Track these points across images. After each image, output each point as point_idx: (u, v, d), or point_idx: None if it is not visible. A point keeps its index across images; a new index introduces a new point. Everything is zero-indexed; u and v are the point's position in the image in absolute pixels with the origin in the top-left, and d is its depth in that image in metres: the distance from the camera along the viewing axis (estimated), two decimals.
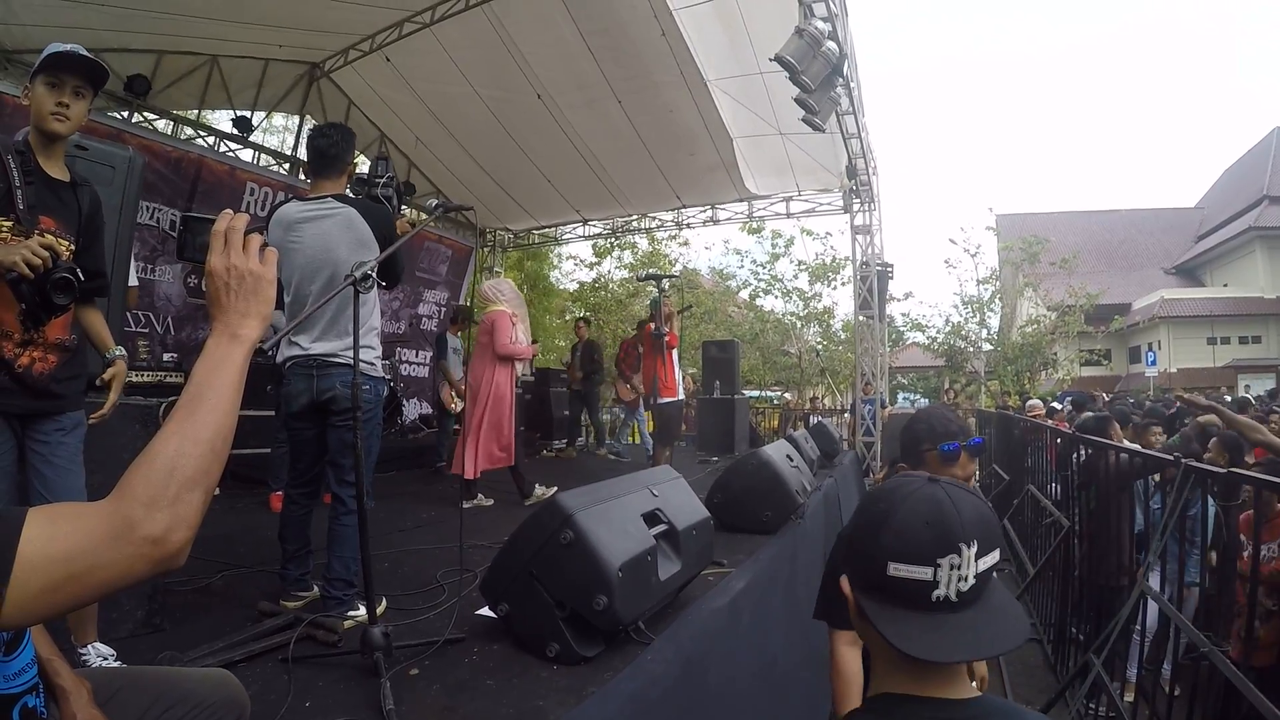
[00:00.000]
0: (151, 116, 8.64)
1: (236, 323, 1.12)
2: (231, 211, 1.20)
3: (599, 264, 21.68)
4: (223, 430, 1.03)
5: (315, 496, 3.36)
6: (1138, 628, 4.21)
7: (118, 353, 2.53)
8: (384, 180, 3.45)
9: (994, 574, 1.08)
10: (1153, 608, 4.10)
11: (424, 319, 12.61)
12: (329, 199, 3.23)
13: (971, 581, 1.05)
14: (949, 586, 1.04)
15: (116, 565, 0.90)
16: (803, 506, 5.20)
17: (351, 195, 3.37)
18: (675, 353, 7.65)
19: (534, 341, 5.99)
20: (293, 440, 3.32)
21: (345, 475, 3.10)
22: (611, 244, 19.38)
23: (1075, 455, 5.62)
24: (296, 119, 10.91)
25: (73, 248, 2.32)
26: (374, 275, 2.54)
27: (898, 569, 1.05)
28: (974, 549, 1.04)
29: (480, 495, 5.85)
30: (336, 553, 3.06)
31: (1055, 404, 12.69)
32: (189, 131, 9.18)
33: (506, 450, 5.84)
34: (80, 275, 2.19)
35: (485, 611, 2.91)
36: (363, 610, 2.88)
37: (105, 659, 2.41)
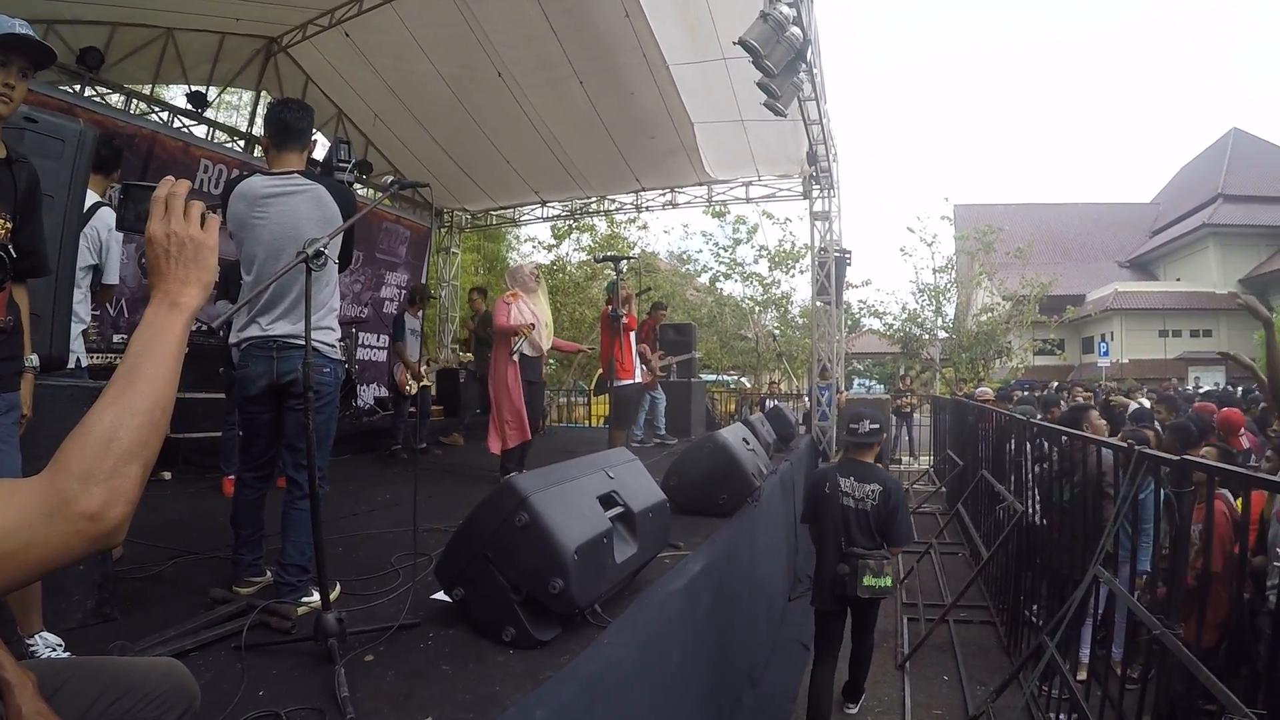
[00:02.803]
0: (104, 91, 8.40)
1: (176, 291, 1.10)
2: (173, 178, 1.18)
3: (557, 246, 21.58)
4: (161, 401, 1.01)
5: (269, 480, 3.30)
6: (1090, 610, 4.31)
7: (31, 362, 2.46)
8: (347, 165, 3.39)
9: (872, 429, 4.47)
10: (1105, 590, 4.19)
11: (386, 302, 12.44)
12: (295, 175, 3.14)
13: (867, 429, 4.44)
14: (863, 431, 4.45)
15: (52, 543, 0.88)
16: (759, 490, 5.24)
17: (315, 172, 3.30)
18: (633, 335, 7.65)
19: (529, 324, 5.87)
20: (247, 423, 3.24)
21: (301, 459, 3.04)
22: (570, 226, 19.28)
23: (1047, 444, 5.66)
24: (252, 95, 10.69)
25: (9, 225, 2.25)
26: (327, 252, 2.48)
27: (850, 425, 4.52)
28: (867, 421, 4.45)
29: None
30: (291, 538, 3.01)
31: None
32: (142, 107, 8.95)
33: (511, 428, 5.86)
34: (12, 253, 2.14)
35: (441, 596, 2.90)
36: (317, 596, 2.85)
37: (54, 649, 2.36)
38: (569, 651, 2.50)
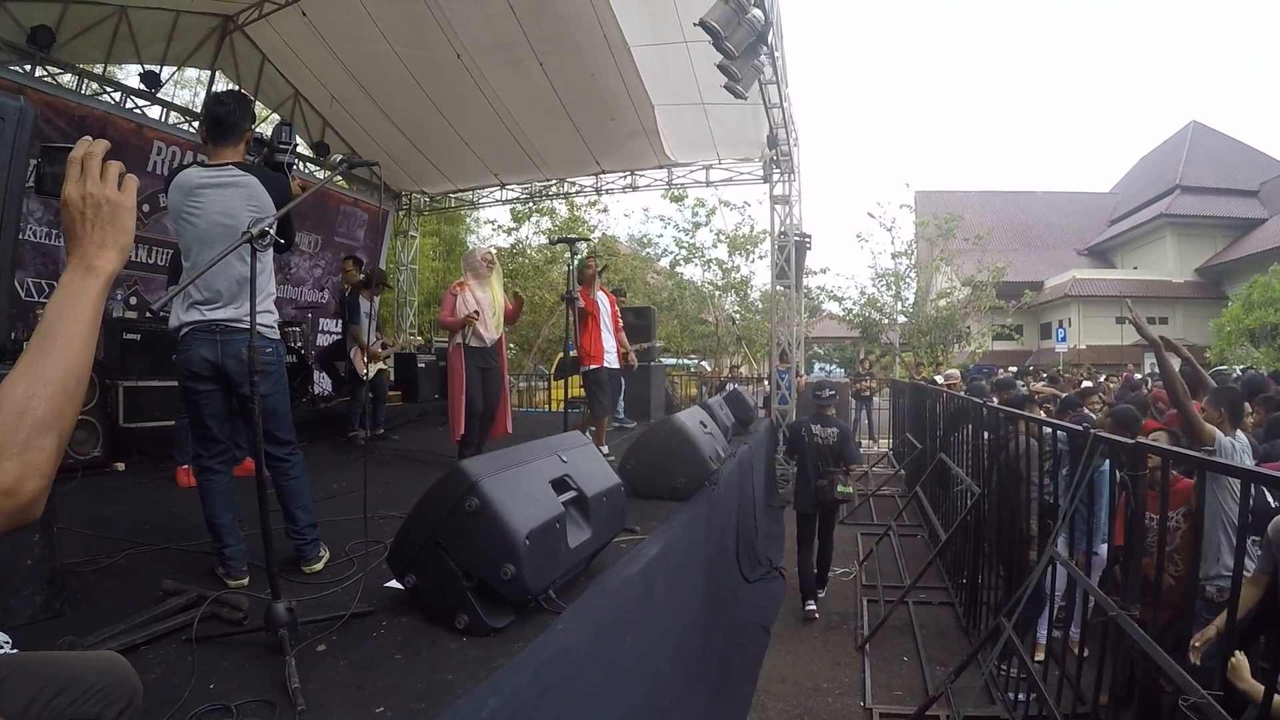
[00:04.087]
0: (55, 70, 8.15)
1: (93, 254, 1.07)
2: (90, 138, 1.15)
3: (517, 229, 21.37)
4: (76, 369, 0.98)
5: (231, 463, 3.32)
6: (1047, 591, 4.40)
7: None
8: (288, 148, 3.37)
9: (831, 394, 6.78)
10: (1061, 572, 4.27)
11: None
12: (230, 166, 3.19)
13: (828, 394, 6.76)
14: (825, 396, 6.72)
15: None
16: (716, 473, 5.25)
17: (251, 161, 3.32)
18: (605, 317, 6.98)
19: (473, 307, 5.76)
20: (196, 406, 3.22)
21: (277, 434, 3.22)
22: (530, 209, 19.12)
23: (992, 425, 5.80)
24: (208, 74, 10.45)
25: None
26: (272, 233, 2.48)
27: (816, 392, 6.82)
28: (828, 389, 6.81)
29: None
30: (297, 504, 3.26)
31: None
32: (94, 87, 8.71)
33: (457, 417, 5.78)
34: None
35: (393, 584, 2.90)
36: (327, 553, 3.41)
37: (0, 646, 2.32)
38: (523, 638, 2.49)
